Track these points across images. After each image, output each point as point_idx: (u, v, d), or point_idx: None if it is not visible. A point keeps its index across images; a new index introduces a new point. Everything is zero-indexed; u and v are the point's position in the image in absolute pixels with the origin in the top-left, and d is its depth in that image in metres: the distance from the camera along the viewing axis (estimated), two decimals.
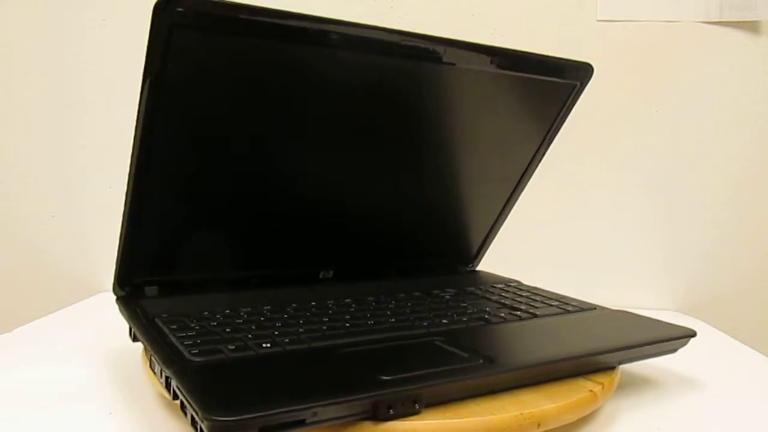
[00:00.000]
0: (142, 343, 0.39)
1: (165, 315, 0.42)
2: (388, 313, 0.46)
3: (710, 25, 0.71)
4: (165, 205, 0.44)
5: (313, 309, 0.46)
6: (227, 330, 0.39)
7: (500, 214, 0.61)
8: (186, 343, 0.36)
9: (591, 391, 0.39)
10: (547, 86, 0.53)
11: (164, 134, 0.40)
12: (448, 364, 0.37)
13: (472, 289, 0.56)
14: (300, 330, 0.40)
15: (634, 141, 0.73)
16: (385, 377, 0.33)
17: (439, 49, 0.44)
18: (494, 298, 0.53)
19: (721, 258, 0.74)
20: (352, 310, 0.46)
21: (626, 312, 0.51)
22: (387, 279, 0.56)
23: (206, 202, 0.45)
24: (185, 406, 0.31)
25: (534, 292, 0.56)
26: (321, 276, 0.53)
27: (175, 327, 0.39)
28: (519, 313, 0.49)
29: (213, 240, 0.47)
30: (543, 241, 0.75)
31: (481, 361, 0.37)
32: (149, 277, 0.46)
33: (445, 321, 0.45)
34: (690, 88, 0.72)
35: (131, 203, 0.41)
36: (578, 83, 0.54)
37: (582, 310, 0.51)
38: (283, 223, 0.49)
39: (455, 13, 0.72)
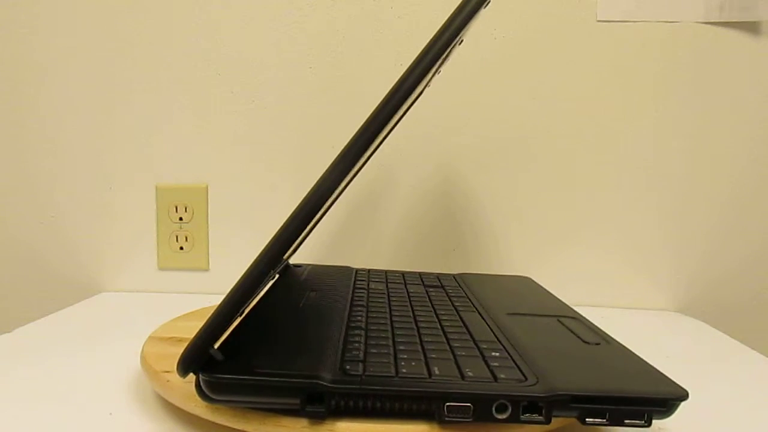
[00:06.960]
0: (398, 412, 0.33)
1: (356, 373, 0.34)
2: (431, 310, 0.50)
3: (710, 25, 0.71)
4: None
5: (374, 321, 0.44)
6: (433, 356, 0.37)
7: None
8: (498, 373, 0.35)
9: None
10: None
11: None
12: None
13: (367, 275, 0.61)
14: (460, 338, 0.42)
15: (634, 141, 0.73)
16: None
17: None
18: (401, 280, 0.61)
19: (721, 258, 0.74)
20: (402, 311, 0.48)
21: (480, 274, 0.66)
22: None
23: None
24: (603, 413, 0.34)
25: (396, 273, 0.64)
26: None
27: (409, 374, 0.34)
28: (454, 287, 0.57)
29: None
30: (543, 239, 0.75)
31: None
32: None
33: (478, 306, 0.51)
34: (690, 88, 0.72)
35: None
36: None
37: (466, 273, 0.66)
38: None
39: None
